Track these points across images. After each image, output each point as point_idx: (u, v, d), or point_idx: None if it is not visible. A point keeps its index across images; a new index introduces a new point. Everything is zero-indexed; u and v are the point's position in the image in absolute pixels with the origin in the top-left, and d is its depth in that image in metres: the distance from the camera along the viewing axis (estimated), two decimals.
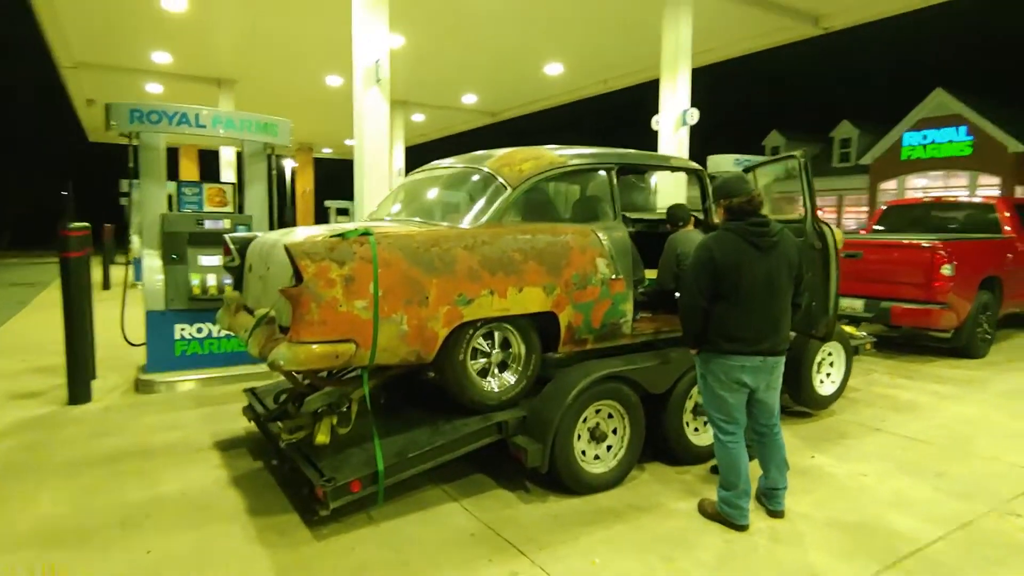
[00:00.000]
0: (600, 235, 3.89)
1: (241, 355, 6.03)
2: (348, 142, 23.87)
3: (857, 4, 9.67)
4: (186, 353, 5.86)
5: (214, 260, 5.87)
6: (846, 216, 27.97)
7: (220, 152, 15.01)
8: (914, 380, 6.23)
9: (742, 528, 3.16)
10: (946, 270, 6.63)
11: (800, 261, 3.18)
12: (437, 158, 4.71)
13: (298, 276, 2.99)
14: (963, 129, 23.22)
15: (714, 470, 3.86)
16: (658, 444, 3.95)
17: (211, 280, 5.82)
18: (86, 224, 5.40)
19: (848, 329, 5.67)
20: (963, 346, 7.09)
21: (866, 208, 26.70)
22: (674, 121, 8.89)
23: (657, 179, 7.70)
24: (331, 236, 3.13)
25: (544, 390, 3.63)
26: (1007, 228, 7.77)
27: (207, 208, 6.13)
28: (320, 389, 4.02)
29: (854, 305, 7.21)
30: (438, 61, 12.81)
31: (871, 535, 3.15)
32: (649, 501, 3.52)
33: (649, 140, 9.38)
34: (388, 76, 6.80)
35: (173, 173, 6.03)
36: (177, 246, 5.78)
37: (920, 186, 25.10)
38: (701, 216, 4.65)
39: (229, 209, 6.23)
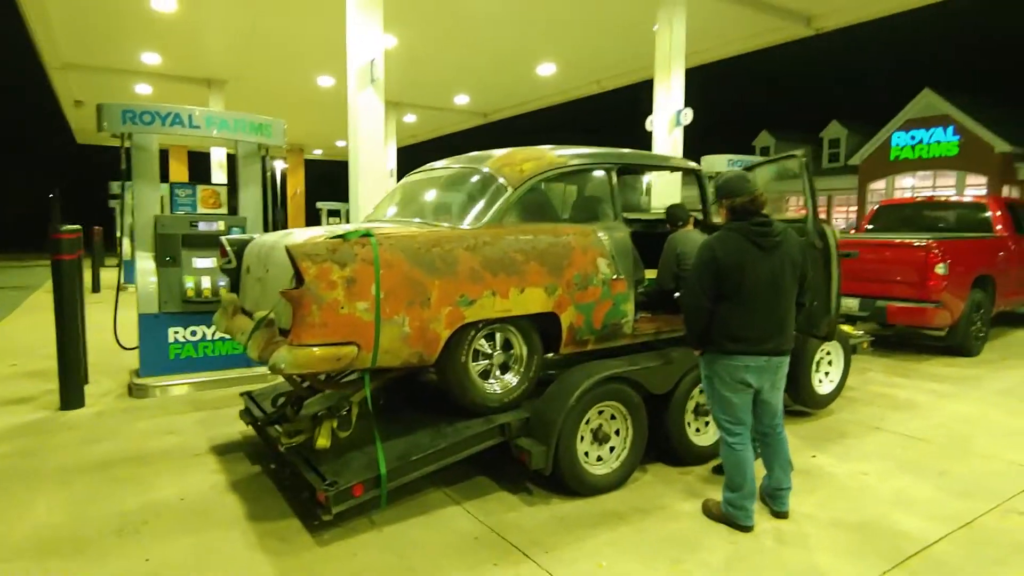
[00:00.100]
0: (601, 235, 3.87)
1: (236, 358, 5.97)
2: (339, 143, 23.78)
3: (849, 5, 9.71)
4: (180, 356, 5.80)
5: (208, 262, 5.81)
6: (835, 216, 28.17)
7: (211, 153, 14.88)
8: (910, 379, 6.26)
9: (747, 529, 3.15)
10: (940, 269, 6.67)
11: (804, 260, 3.18)
12: (428, 159, 4.67)
13: (299, 278, 2.95)
14: (950, 129, 23.45)
15: (715, 470, 3.86)
16: (660, 444, 3.94)
17: (205, 282, 5.76)
18: (78, 226, 5.33)
19: (845, 328, 5.68)
20: (957, 344, 7.13)
21: (855, 208, 26.91)
22: (668, 121, 8.89)
23: (650, 179, 7.69)
24: (332, 237, 3.09)
25: (547, 391, 3.61)
26: (999, 227, 7.83)
27: (201, 210, 6.06)
28: (319, 392, 3.98)
29: (849, 304, 7.24)
30: (431, 62, 12.77)
31: (876, 535, 3.15)
32: (653, 502, 3.50)
33: (643, 140, 9.39)
34: (383, 76, 6.76)
35: (163, 175, 5.95)
36: (171, 248, 5.72)
37: (908, 186, 25.33)
38: (700, 216, 4.65)
39: (223, 211, 6.17)
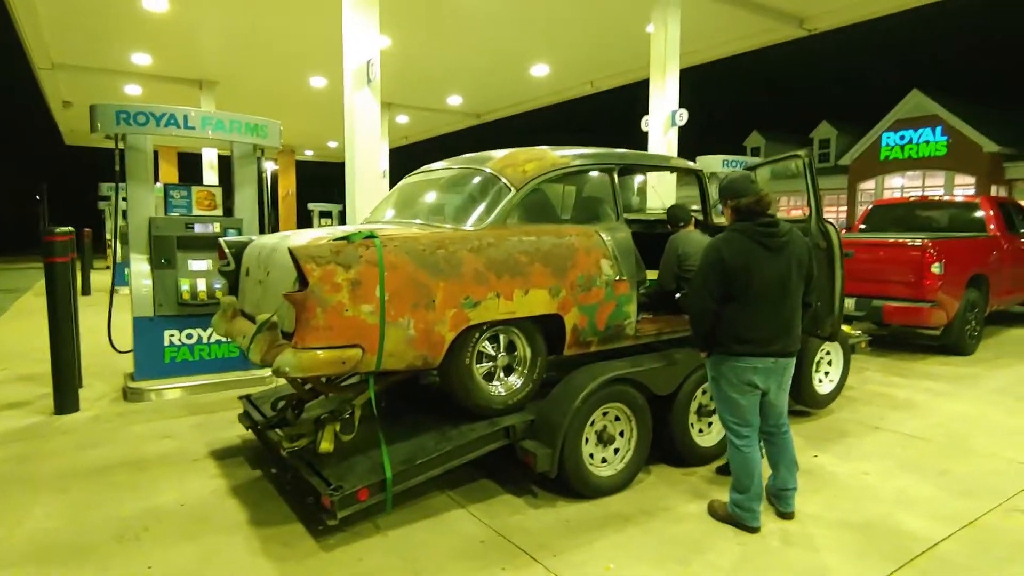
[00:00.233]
0: (604, 236, 3.86)
1: (233, 361, 5.92)
2: (331, 144, 23.68)
3: (841, 6, 9.78)
4: (176, 360, 5.74)
5: (204, 264, 5.76)
6: (826, 216, 28.30)
7: (203, 155, 14.77)
8: (907, 378, 6.29)
9: (754, 530, 3.14)
10: (935, 268, 6.71)
11: (811, 260, 3.17)
12: (421, 160, 4.65)
13: (303, 280, 2.91)
14: (939, 129, 23.66)
15: (719, 470, 3.86)
16: (663, 446, 3.93)
17: (201, 285, 5.71)
18: (70, 228, 5.26)
19: (844, 328, 5.69)
20: (952, 343, 7.18)
21: (845, 208, 27.08)
22: (663, 122, 8.91)
23: (643, 180, 7.69)
24: (336, 239, 3.05)
25: (551, 393, 3.59)
26: (992, 227, 7.89)
27: (196, 212, 6.00)
28: (321, 395, 3.94)
29: (846, 304, 7.25)
30: (424, 63, 12.74)
31: (881, 535, 3.15)
32: (658, 504, 3.49)
33: (637, 140, 9.40)
34: (379, 77, 6.73)
35: (154, 176, 5.85)
36: (166, 250, 5.66)
37: (897, 186, 25.52)
38: (700, 217, 4.65)
39: (218, 213, 6.12)
